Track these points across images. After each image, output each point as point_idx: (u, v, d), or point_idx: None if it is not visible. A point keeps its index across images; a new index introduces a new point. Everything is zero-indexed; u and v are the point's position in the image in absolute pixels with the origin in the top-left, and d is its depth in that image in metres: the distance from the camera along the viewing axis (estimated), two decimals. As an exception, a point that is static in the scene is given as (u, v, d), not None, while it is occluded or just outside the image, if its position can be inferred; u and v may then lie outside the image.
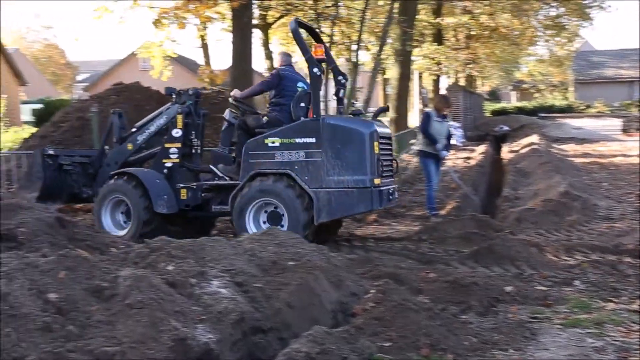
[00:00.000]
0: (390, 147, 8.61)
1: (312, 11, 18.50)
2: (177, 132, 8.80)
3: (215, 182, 8.62)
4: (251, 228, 7.91)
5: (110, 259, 4.47)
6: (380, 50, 14.95)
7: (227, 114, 8.95)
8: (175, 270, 4.10)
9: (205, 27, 24.07)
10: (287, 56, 9.23)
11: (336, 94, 8.94)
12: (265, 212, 8.07)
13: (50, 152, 9.29)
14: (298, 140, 7.86)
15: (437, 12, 30.49)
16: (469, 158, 19.22)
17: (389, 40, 21.55)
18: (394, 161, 8.80)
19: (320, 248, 5.32)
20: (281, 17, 26.51)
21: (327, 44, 17.18)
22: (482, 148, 22.01)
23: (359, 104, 23.41)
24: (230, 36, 16.35)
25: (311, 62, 7.99)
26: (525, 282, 6.07)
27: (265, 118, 8.40)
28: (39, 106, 38.51)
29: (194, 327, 3.59)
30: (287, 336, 4.05)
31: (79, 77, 74.83)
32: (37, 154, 9.33)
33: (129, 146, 9.12)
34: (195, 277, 4.07)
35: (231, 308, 3.86)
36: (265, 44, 29.96)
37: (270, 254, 4.87)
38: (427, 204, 10.88)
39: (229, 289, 4.09)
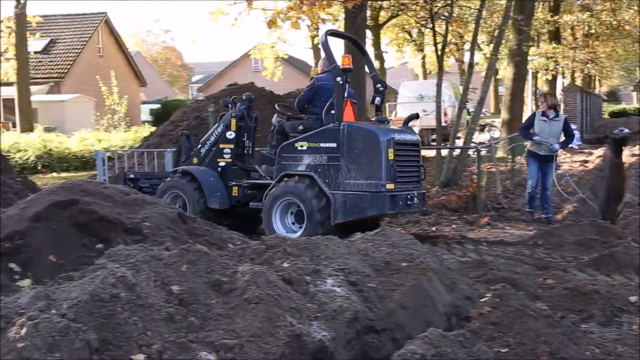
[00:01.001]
0: (415, 154, 8.67)
1: (425, 11, 18.27)
2: (230, 134, 9.28)
3: (254, 181, 9.08)
4: (277, 226, 8.32)
5: (229, 254, 4.59)
6: (496, 50, 14.53)
7: (274, 118, 9.28)
8: (291, 268, 4.17)
9: (316, 28, 24.36)
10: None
11: (372, 101, 9.07)
12: (297, 209, 8.34)
13: (131, 175, 9.89)
14: (322, 144, 8.26)
15: (554, 10, 29.44)
16: (586, 162, 18.46)
17: (504, 40, 20.97)
18: (421, 167, 8.86)
19: (433, 250, 5.27)
20: (392, 17, 26.41)
21: (440, 44, 16.96)
22: (600, 151, 21.08)
23: (471, 105, 23.03)
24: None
25: (335, 71, 8.34)
26: (651, 292, 5.75)
27: (300, 127, 8.67)
28: (156, 106, 40.28)
29: (309, 324, 3.63)
30: (400, 337, 4.02)
31: (194, 78, 77.63)
32: (119, 177, 9.90)
33: (195, 160, 9.52)
34: (310, 274, 4.13)
35: (345, 307, 3.88)
36: (376, 44, 29.91)
37: (383, 254, 4.86)
38: (527, 203, 10.77)
39: (343, 287, 4.12)
